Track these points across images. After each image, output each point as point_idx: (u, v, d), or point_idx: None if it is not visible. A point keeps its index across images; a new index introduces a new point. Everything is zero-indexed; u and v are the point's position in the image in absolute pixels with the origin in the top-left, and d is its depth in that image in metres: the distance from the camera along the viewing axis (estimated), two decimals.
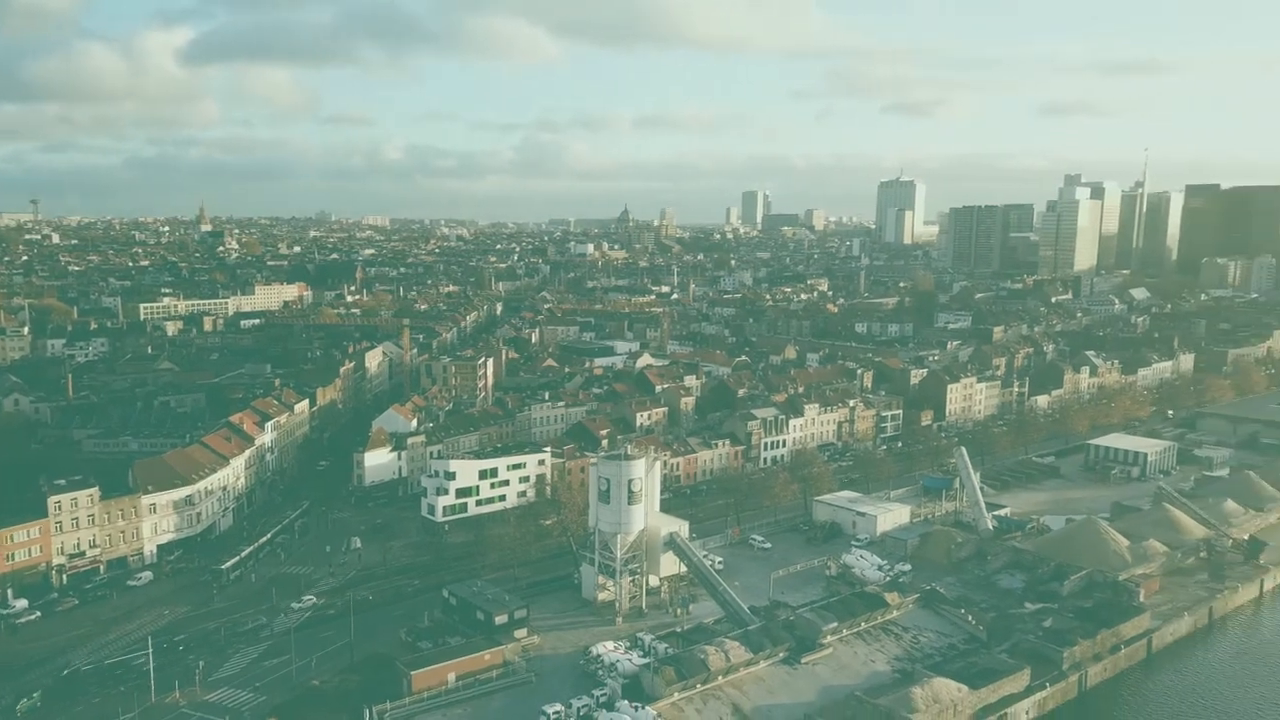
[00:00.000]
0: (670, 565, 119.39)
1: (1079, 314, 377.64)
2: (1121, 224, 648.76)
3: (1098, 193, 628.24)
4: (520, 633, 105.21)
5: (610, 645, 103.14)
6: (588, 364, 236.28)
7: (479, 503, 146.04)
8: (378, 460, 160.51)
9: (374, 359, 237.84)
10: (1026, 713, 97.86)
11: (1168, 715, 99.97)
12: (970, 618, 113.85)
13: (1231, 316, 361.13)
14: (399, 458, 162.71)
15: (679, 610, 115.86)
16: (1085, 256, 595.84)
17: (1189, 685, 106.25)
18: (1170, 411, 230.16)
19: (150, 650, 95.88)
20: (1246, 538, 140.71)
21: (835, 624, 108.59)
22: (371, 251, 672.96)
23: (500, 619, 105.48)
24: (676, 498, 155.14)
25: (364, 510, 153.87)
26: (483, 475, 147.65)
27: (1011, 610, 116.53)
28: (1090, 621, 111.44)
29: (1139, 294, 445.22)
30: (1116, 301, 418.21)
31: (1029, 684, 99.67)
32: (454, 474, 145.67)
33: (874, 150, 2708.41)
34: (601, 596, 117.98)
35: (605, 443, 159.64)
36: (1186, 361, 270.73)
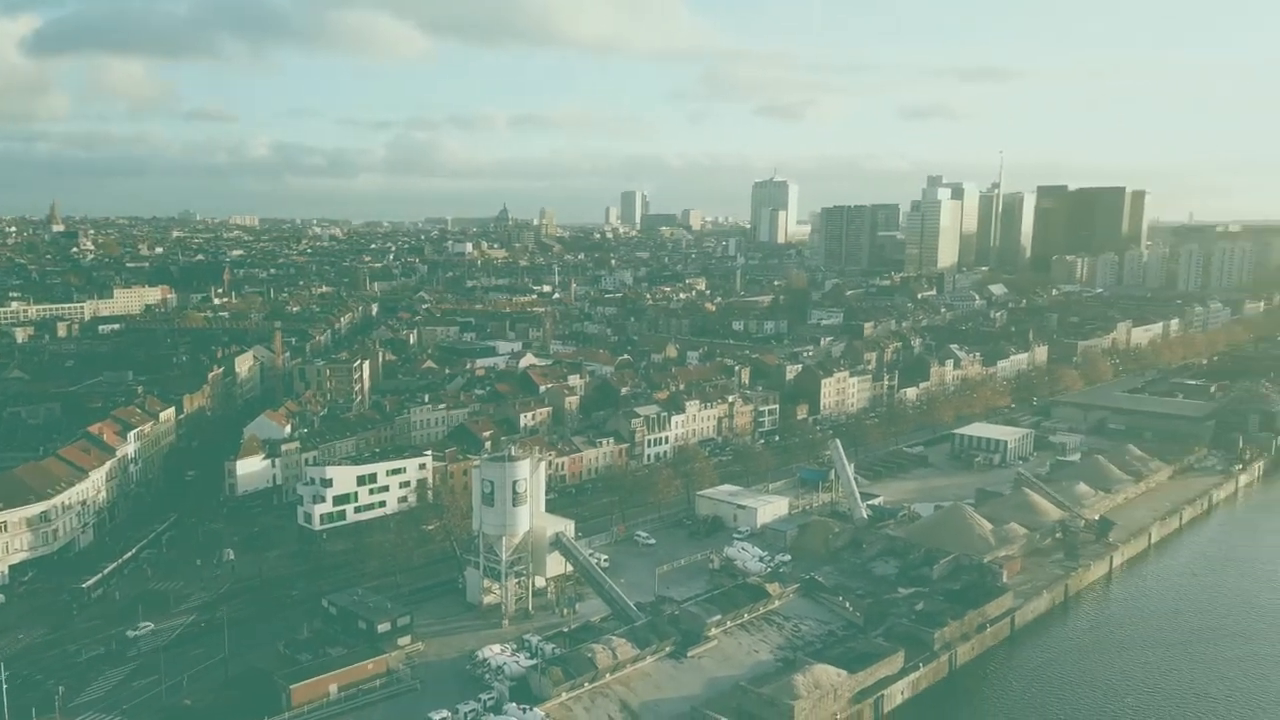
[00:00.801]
0: (556, 565, 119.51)
1: (943, 309, 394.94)
2: (980, 223, 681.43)
3: (958, 193, 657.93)
4: (404, 640, 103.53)
5: (497, 648, 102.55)
6: (469, 365, 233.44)
7: (358, 509, 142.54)
8: (250, 468, 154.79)
9: (244, 363, 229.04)
10: (901, 693, 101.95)
11: (1030, 688, 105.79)
12: (848, 605, 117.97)
13: (1080, 310, 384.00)
14: (273, 465, 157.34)
15: (566, 610, 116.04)
16: (947, 254, 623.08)
17: (1049, 659, 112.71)
18: (1031, 400, 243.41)
19: (1, 677, 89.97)
20: (1097, 518, 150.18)
21: (719, 616, 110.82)
22: (240, 252, 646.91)
23: (383, 627, 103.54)
24: (562, 497, 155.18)
25: (237, 521, 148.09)
26: (361, 481, 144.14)
27: (886, 595, 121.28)
28: (959, 603, 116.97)
29: (997, 290, 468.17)
30: (977, 297, 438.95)
31: (903, 665, 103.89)
32: (331, 481, 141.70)
33: (748, 151, 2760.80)
34: (487, 600, 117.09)
35: (488, 444, 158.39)
36: (1041, 353, 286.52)
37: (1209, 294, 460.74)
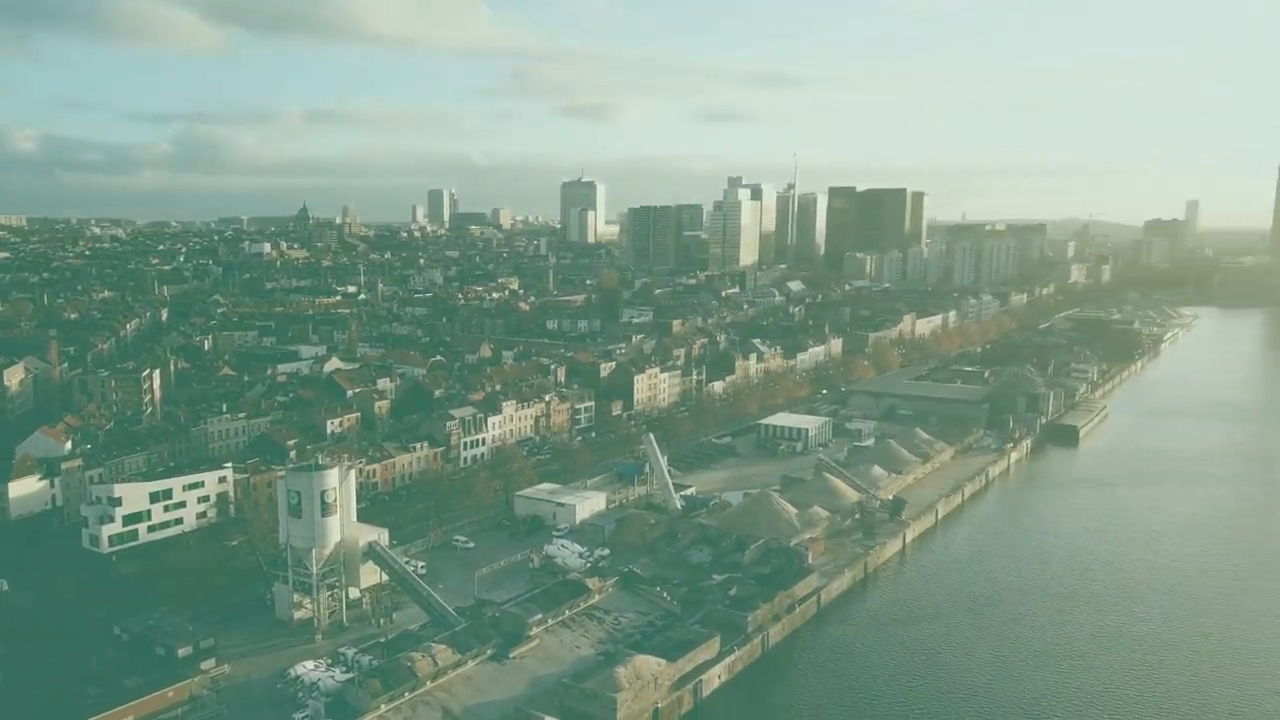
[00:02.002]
0: (371, 575, 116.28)
1: (746, 306, 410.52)
2: (778, 223, 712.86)
3: (756, 194, 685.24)
4: (208, 664, 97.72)
5: (310, 664, 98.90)
6: (270, 371, 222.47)
7: (151, 529, 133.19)
8: (25, 490, 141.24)
9: (14, 376, 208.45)
10: (719, 677, 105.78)
11: (837, 661, 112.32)
12: (665, 594, 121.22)
13: (870, 304, 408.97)
14: (51, 485, 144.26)
15: (383, 620, 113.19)
16: (748, 253, 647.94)
17: (853, 632, 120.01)
18: (824, 390, 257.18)
19: None
20: (891, 498, 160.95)
21: (540, 615, 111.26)
22: (6, 255, 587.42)
23: (184, 651, 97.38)
24: (375, 505, 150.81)
25: (11, 547, 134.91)
26: (154, 498, 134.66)
27: (701, 583, 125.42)
28: (769, 586, 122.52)
29: (795, 286, 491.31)
30: (777, 294, 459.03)
31: (720, 650, 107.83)
32: (119, 499, 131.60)
33: (554, 150, 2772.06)
34: (298, 615, 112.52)
35: (294, 453, 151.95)
36: (836, 345, 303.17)
37: (980, 287, 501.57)
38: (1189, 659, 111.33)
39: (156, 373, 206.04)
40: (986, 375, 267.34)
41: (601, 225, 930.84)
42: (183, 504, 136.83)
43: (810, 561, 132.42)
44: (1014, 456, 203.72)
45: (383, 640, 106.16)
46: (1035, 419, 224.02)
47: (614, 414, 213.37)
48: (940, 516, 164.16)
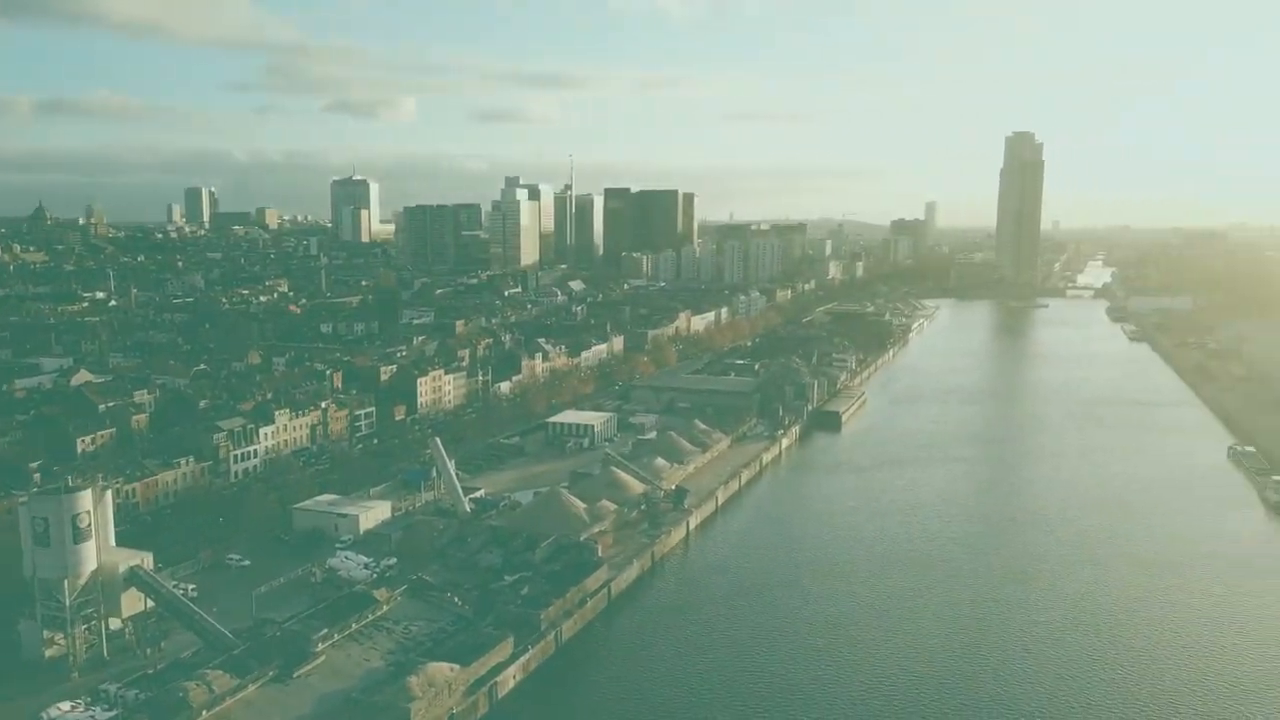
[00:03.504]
0: (135, 603, 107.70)
1: (529, 306, 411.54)
2: (557, 223, 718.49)
3: (534, 194, 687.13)
4: None
5: (66, 706, 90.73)
6: (6, 386, 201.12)
7: None
8: None
9: None
10: (514, 677, 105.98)
11: (629, 651, 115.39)
12: (456, 599, 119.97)
13: (648, 302, 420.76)
14: None
15: (149, 650, 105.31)
16: (529, 252, 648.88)
17: (643, 621, 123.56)
18: (625, 384, 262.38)
19: None
20: (674, 488, 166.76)
21: (326, 631, 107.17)
22: None
23: None
24: (136, 527, 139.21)
25: None
26: None
27: (493, 585, 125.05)
28: (560, 582, 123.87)
29: (576, 285, 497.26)
30: (559, 293, 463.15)
31: (513, 650, 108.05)
32: None
33: (324, 148, 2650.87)
34: (50, 653, 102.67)
35: (37, 476, 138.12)
36: (618, 343, 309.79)
37: (749, 284, 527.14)
38: (942, 617, 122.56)
39: None
40: (757, 367, 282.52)
41: (376, 225, 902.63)
42: None
43: (600, 555, 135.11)
44: (785, 443, 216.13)
45: (150, 672, 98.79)
46: (802, 406, 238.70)
47: (397, 419, 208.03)
48: (720, 503, 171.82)
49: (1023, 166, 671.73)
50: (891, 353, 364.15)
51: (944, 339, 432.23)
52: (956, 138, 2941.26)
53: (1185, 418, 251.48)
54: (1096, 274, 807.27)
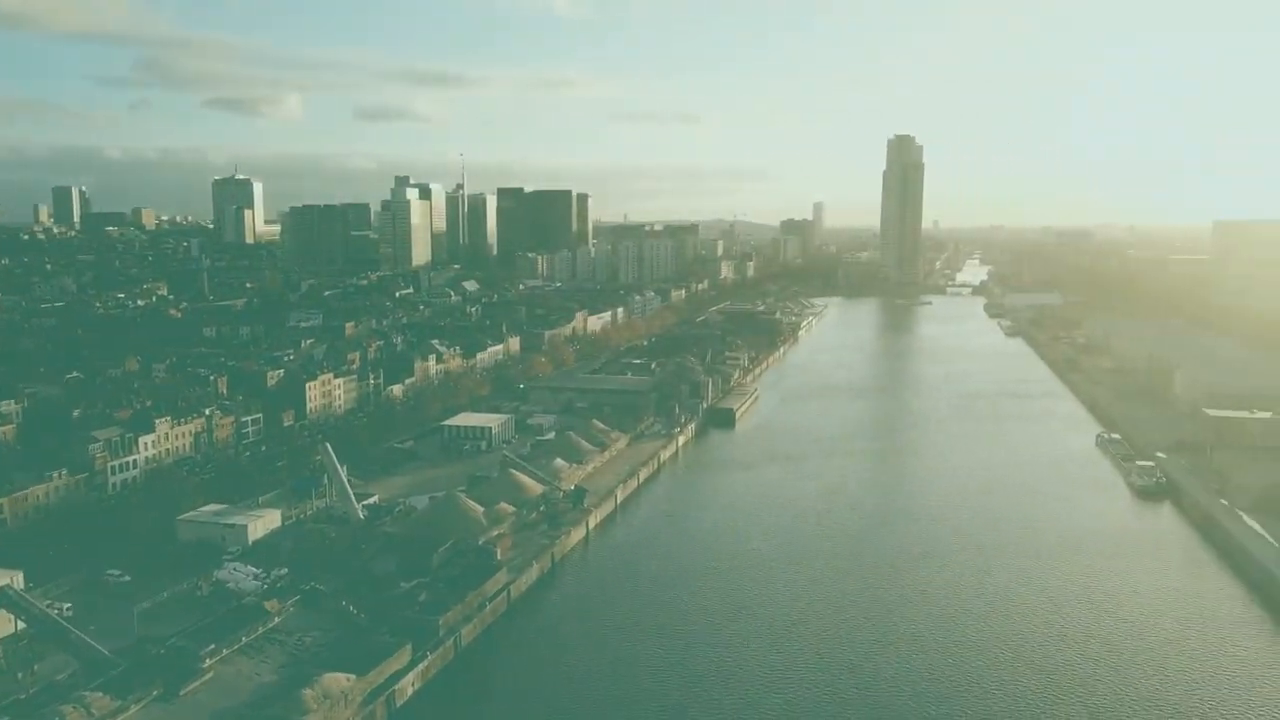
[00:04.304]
0: (4, 624, 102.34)
1: (421, 307, 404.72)
2: (449, 223, 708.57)
3: (425, 194, 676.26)
4: None
5: None
6: None
7: None
8: None
9: None
10: (412, 685, 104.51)
11: (530, 653, 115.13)
12: (351, 608, 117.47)
13: (544, 303, 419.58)
14: None
15: (21, 674, 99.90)
16: (421, 253, 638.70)
17: (544, 624, 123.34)
18: (522, 385, 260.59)
19: None
20: (573, 488, 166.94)
21: (214, 646, 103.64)
22: None
23: None
24: (5, 545, 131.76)
25: None
26: None
27: (390, 592, 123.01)
28: (459, 587, 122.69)
29: (470, 286, 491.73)
30: (452, 294, 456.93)
31: (411, 658, 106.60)
32: None
33: (202, 145, 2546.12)
34: None
35: None
36: (514, 344, 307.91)
37: (644, 284, 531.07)
38: (836, 607, 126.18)
39: None
40: (653, 366, 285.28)
41: (260, 225, 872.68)
42: None
43: (499, 558, 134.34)
44: (681, 440, 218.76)
45: (23, 697, 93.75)
46: (698, 404, 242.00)
47: (285, 425, 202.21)
48: (620, 502, 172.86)
49: (904, 168, 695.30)
50: (782, 350, 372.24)
51: (833, 336, 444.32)
52: (843, 139, 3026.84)
53: (1057, 408, 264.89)
54: (974, 272, 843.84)
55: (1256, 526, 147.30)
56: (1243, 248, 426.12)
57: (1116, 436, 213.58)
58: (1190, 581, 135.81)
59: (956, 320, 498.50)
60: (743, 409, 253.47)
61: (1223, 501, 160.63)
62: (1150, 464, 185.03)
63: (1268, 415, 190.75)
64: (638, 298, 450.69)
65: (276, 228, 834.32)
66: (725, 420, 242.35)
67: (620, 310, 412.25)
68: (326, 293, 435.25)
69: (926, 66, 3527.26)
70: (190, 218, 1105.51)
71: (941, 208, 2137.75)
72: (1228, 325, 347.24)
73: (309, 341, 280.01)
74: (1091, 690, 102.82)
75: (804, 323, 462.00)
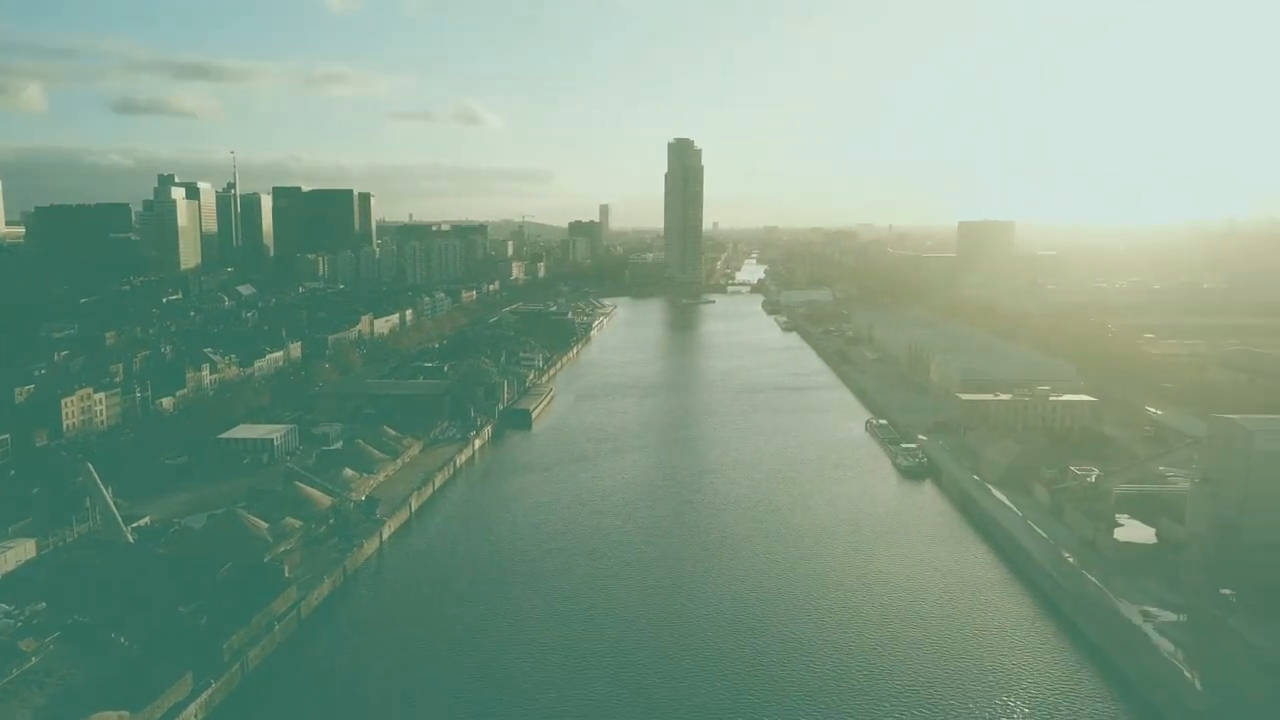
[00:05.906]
0: None
1: (192, 313, 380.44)
2: (220, 223, 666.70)
3: (193, 193, 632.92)
4: None
5: None
6: None
7: None
8: None
9: None
10: (195, 716, 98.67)
11: (323, 671, 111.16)
12: (123, 639, 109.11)
13: (327, 306, 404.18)
14: None
15: None
16: (190, 256, 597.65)
17: (337, 640, 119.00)
18: (316, 388, 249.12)
19: None
20: (364, 498, 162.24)
21: None
22: None
23: None
24: None
25: None
26: None
27: (166, 619, 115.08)
28: (244, 608, 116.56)
29: (245, 290, 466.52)
30: (226, 299, 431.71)
31: (193, 687, 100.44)
32: None
33: None
34: None
35: None
36: (296, 349, 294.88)
37: (433, 285, 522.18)
38: (638, 597, 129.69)
39: None
40: (446, 369, 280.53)
41: (2, 227, 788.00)
42: None
43: (287, 575, 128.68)
44: (478, 444, 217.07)
45: None
46: (494, 406, 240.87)
47: (38, 445, 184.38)
48: (414, 509, 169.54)
49: (685, 170, 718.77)
50: (575, 350, 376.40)
51: (622, 335, 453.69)
52: (626, 143, 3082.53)
53: (830, 398, 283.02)
54: (752, 271, 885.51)
55: (1003, 498, 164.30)
56: (982, 245, 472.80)
57: (884, 422, 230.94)
58: (949, 549, 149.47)
59: (737, 317, 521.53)
60: (539, 409, 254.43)
61: (975, 477, 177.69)
62: (913, 446, 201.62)
63: (1008, 397, 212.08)
64: (427, 299, 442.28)
65: (21, 229, 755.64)
66: (522, 421, 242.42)
67: (409, 312, 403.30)
68: (84, 300, 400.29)
69: (703, 73, 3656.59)
70: None
71: (721, 210, 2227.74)
72: (973, 316, 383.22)
73: (64, 353, 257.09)
74: (863, 640, 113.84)
75: (595, 323, 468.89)
